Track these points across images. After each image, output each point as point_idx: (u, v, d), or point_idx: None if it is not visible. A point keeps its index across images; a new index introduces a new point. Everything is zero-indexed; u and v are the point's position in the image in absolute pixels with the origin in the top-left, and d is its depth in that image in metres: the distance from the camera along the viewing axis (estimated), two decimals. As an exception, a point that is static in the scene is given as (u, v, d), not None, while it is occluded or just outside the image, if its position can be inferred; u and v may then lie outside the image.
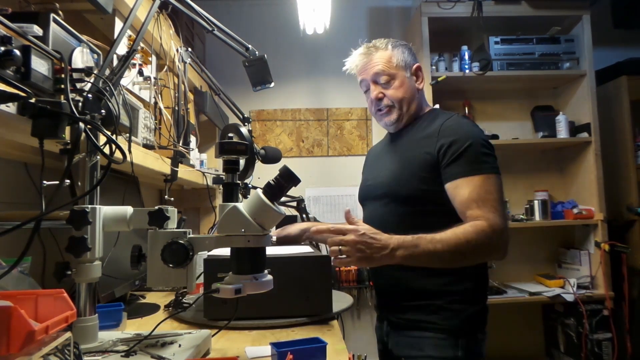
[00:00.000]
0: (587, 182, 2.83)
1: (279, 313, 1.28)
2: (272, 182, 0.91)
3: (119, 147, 0.89)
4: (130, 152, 1.04)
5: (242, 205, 0.91)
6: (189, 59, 1.80)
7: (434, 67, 2.83)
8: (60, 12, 1.08)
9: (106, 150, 0.89)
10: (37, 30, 0.86)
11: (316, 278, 1.31)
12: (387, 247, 1.13)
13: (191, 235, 0.92)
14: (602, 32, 2.98)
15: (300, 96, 3.13)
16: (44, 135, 0.78)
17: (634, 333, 2.65)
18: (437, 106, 1.53)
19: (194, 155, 2.16)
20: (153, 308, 1.53)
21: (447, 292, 1.30)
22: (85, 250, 0.89)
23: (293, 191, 1.15)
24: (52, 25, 0.92)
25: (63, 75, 0.83)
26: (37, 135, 0.78)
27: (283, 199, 1.81)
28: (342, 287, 2.78)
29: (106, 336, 0.98)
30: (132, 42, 1.17)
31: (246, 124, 1.74)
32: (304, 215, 2.30)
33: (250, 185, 1.61)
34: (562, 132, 2.84)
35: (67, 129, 0.83)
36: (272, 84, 1.54)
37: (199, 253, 0.94)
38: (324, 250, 2.07)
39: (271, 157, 1.65)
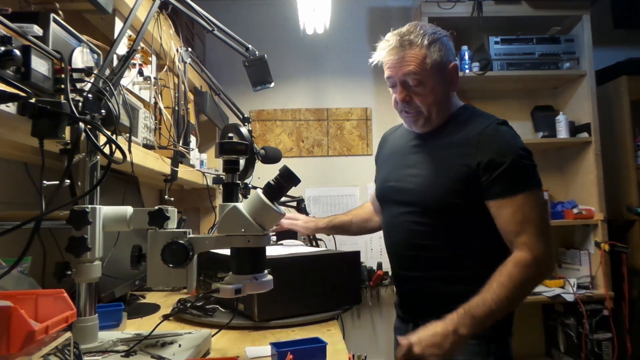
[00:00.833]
0: (587, 182, 2.83)
1: (317, 309, 1.36)
2: (272, 182, 0.91)
3: (119, 147, 0.89)
4: (130, 152, 1.04)
5: (242, 205, 0.91)
6: (189, 59, 1.80)
7: (434, 67, 2.83)
8: (60, 12, 1.08)
9: (106, 150, 0.89)
10: (37, 30, 0.86)
11: (347, 273, 1.46)
12: (448, 334, 1.10)
13: (191, 235, 0.92)
14: (602, 32, 2.98)
15: (300, 96, 3.12)
16: (44, 135, 0.78)
17: (634, 333, 2.65)
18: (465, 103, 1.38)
19: (194, 155, 2.16)
20: (153, 308, 1.53)
21: None
22: (85, 250, 0.89)
23: (293, 191, 1.15)
24: (52, 25, 0.92)
25: (63, 75, 0.83)
26: (37, 135, 0.78)
27: (283, 199, 1.81)
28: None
29: (106, 336, 0.98)
30: (132, 42, 1.17)
31: (246, 124, 1.74)
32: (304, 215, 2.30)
33: (250, 185, 1.61)
34: (562, 132, 2.84)
35: (67, 129, 0.83)
36: (272, 84, 1.54)
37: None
38: (321, 247, 2.07)
39: (271, 157, 1.65)
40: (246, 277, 0.90)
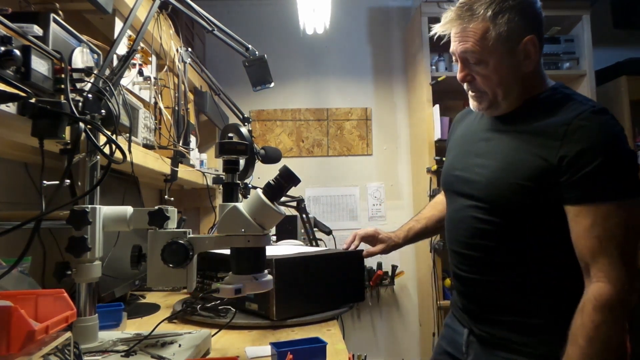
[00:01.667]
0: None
1: (328, 307, 1.37)
2: (272, 182, 0.91)
3: (119, 147, 0.89)
4: (130, 152, 1.04)
5: (242, 205, 0.91)
6: (189, 59, 1.80)
7: (434, 67, 2.83)
8: (60, 12, 1.08)
9: (106, 150, 0.89)
10: (37, 30, 0.86)
11: (352, 270, 1.49)
12: None
13: (191, 235, 0.92)
14: (602, 32, 2.98)
15: (300, 96, 3.13)
16: (44, 135, 0.78)
17: (634, 333, 2.64)
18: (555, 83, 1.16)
19: (194, 155, 2.16)
20: (153, 308, 1.53)
21: (548, 309, 1.07)
22: (85, 250, 0.89)
23: (293, 191, 1.15)
24: (52, 25, 0.92)
25: (63, 75, 0.83)
26: (37, 135, 0.78)
27: (283, 199, 1.81)
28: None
29: (106, 336, 0.98)
30: (132, 42, 1.17)
31: (246, 124, 1.74)
32: (304, 215, 2.30)
33: (250, 185, 1.61)
34: (562, 132, 2.84)
35: (67, 129, 0.83)
36: (272, 84, 1.54)
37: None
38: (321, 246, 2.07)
39: (271, 157, 1.66)
40: (246, 277, 0.90)
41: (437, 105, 2.70)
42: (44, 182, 0.79)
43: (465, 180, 1.17)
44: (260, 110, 3.08)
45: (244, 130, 1.28)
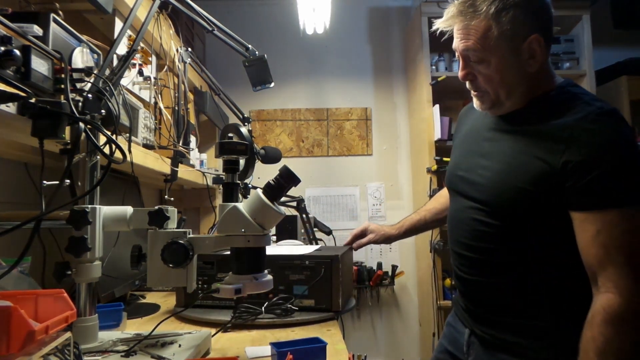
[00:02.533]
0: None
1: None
2: (272, 182, 0.91)
3: (119, 147, 0.89)
4: (130, 152, 1.04)
5: (242, 205, 0.91)
6: (189, 59, 1.80)
7: (434, 67, 2.83)
8: (60, 12, 1.08)
9: (106, 150, 0.89)
10: (37, 30, 0.86)
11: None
12: None
13: (191, 235, 0.92)
14: (602, 32, 2.98)
15: (300, 96, 3.13)
16: (44, 135, 0.78)
17: None
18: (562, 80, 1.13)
19: (194, 155, 2.16)
20: (153, 308, 1.53)
21: (550, 311, 1.04)
22: (85, 250, 0.89)
23: (293, 191, 1.15)
24: (52, 25, 0.92)
25: (63, 75, 0.83)
26: (37, 135, 0.78)
27: (283, 199, 1.81)
28: (342, 287, 2.78)
29: (106, 336, 0.98)
30: (132, 42, 1.17)
31: (246, 124, 1.74)
32: (304, 215, 2.30)
33: (250, 185, 1.61)
34: (562, 132, 2.84)
35: (67, 129, 0.83)
36: (272, 84, 1.54)
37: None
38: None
39: (271, 157, 1.65)
40: (246, 277, 0.90)
41: (437, 105, 2.70)
42: (44, 182, 0.79)
43: (468, 181, 1.15)
44: (260, 110, 3.08)
45: (244, 130, 1.28)
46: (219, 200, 2.42)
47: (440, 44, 2.92)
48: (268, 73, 1.52)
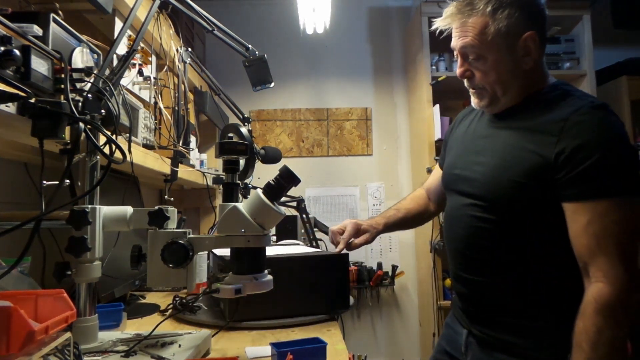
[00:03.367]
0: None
1: (298, 312, 1.30)
2: (272, 182, 0.91)
3: (119, 147, 0.89)
4: (130, 152, 1.04)
5: (242, 205, 0.91)
6: (189, 59, 1.80)
7: (434, 67, 2.83)
8: (60, 12, 1.08)
9: (106, 150, 0.89)
10: (37, 30, 0.86)
11: (335, 275, 1.36)
12: None
13: (191, 235, 0.92)
14: (602, 32, 2.98)
15: (300, 96, 3.13)
16: (44, 135, 0.78)
17: (634, 333, 2.64)
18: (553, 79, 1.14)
19: (194, 155, 2.16)
20: (153, 308, 1.53)
21: (549, 311, 1.04)
22: (85, 250, 0.89)
23: (293, 191, 1.15)
24: (52, 25, 0.92)
25: (63, 75, 0.83)
26: (37, 135, 0.78)
27: (283, 199, 1.81)
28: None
29: (106, 336, 0.98)
30: (132, 42, 1.17)
31: (246, 124, 1.74)
32: (304, 215, 2.30)
33: (250, 185, 1.61)
34: (562, 132, 2.84)
35: (67, 129, 0.83)
36: (272, 84, 1.54)
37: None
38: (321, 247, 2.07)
39: (271, 157, 1.66)
40: (246, 277, 0.90)
41: (437, 105, 2.70)
42: (44, 182, 0.79)
43: (464, 178, 1.16)
44: (260, 110, 3.08)
45: (244, 130, 1.28)
46: (219, 200, 2.42)
47: (440, 44, 2.93)
48: (268, 73, 1.52)
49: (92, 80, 0.92)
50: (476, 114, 1.26)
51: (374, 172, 3.12)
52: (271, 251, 1.49)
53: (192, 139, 2.11)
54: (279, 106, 3.10)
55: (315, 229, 2.39)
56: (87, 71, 0.91)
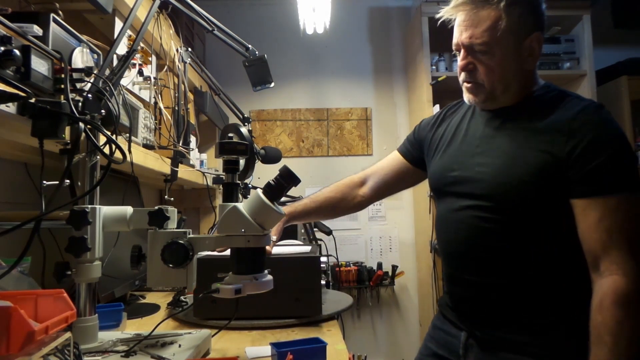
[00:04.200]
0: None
1: (271, 314, 1.27)
2: (272, 182, 0.91)
3: (119, 147, 0.89)
4: (130, 152, 1.04)
5: (242, 205, 0.91)
6: (189, 59, 1.80)
7: (434, 67, 2.83)
8: (60, 12, 1.08)
9: (106, 150, 0.89)
10: (37, 30, 0.86)
11: (305, 278, 1.29)
12: None
13: (191, 235, 0.92)
14: (602, 32, 2.98)
15: (300, 96, 3.12)
16: (44, 135, 0.78)
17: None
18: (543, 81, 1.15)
19: (194, 155, 2.16)
20: (153, 308, 1.53)
21: (555, 308, 1.04)
22: (85, 250, 0.89)
23: (293, 191, 1.15)
24: (52, 25, 0.92)
25: (63, 75, 0.83)
26: (37, 135, 0.78)
27: (283, 199, 1.80)
28: (342, 287, 2.78)
29: (106, 336, 0.98)
30: (132, 42, 1.17)
31: (246, 124, 1.74)
32: (304, 215, 2.30)
33: (250, 185, 1.61)
34: (563, 132, 2.84)
35: (67, 129, 0.83)
36: (272, 84, 1.53)
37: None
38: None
39: (271, 157, 1.66)
40: (246, 277, 0.90)
41: (437, 105, 2.70)
42: (44, 182, 0.79)
43: (464, 180, 1.14)
44: (260, 110, 3.08)
45: (244, 130, 1.28)
46: (219, 200, 2.42)
47: (440, 44, 2.94)
48: (268, 73, 1.51)
49: (92, 80, 0.92)
50: (465, 112, 1.23)
51: (374, 172, 3.11)
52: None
53: (192, 139, 2.11)
54: (279, 106, 3.10)
55: (315, 229, 2.39)
56: (87, 71, 0.91)
